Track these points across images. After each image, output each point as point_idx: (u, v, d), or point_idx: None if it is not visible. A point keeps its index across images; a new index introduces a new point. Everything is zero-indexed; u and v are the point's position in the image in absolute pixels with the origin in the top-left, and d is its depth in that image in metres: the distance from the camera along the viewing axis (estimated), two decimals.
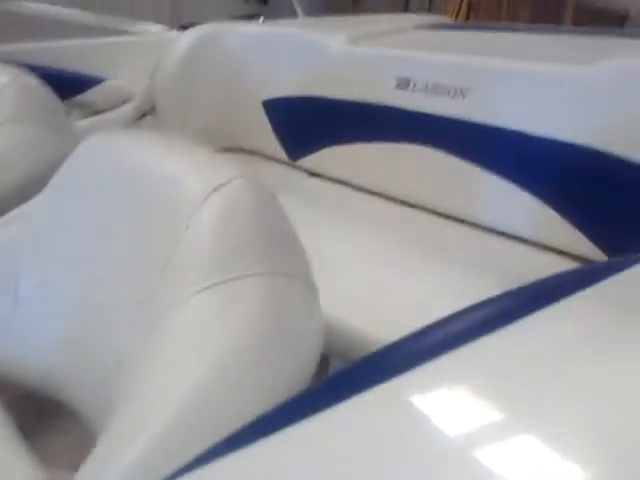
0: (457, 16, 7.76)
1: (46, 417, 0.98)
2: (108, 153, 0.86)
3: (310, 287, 0.72)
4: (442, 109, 1.40)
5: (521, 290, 0.62)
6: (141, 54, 1.95)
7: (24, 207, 0.98)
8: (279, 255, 0.70)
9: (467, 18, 8.00)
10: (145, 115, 1.89)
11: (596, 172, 1.17)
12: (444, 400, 0.49)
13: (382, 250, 1.32)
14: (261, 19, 5.38)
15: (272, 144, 1.83)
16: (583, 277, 0.68)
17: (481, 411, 0.47)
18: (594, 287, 0.61)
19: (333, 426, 0.49)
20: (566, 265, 1.21)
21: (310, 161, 1.75)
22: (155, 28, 2.24)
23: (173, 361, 0.62)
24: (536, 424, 0.45)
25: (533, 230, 1.29)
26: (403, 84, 1.48)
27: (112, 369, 0.71)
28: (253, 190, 0.71)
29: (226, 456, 0.51)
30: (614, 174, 1.14)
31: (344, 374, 0.57)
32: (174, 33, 2.08)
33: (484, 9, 7.73)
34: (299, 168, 1.79)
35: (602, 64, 1.18)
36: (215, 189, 0.69)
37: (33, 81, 1.36)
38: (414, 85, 1.46)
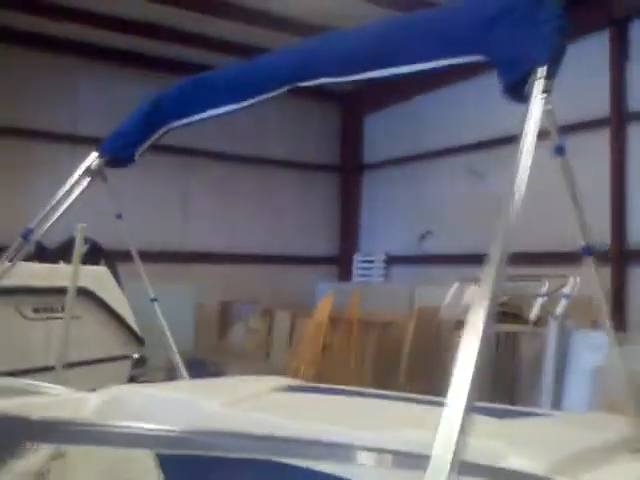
0: (313, 357, 8.79)
1: None
2: None
3: None
4: None
5: None
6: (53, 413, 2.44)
7: None
8: None
9: (323, 358, 9.05)
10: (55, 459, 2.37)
11: None
12: None
13: None
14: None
15: None
16: None
17: None
18: None
19: None
20: None
21: None
22: (61, 389, 2.75)
23: None
24: None
25: None
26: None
27: None
28: None
29: None
30: None
31: None
32: (82, 394, 2.62)
33: (336, 349, 8.84)
34: None
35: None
36: None
37: None
38: None
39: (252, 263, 12.93)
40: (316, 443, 1.55)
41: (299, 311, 10.13)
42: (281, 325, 10.28)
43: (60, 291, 4.35)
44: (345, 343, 8.82)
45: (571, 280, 6.51)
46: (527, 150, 1.46)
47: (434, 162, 12.33)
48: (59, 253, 6.83)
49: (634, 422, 1.92)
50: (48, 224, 2.72)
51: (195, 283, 11.36)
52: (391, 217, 13.34)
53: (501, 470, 1.47)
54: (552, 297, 6.86)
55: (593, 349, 5.96)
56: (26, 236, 2.66)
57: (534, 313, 7.06)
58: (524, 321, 7.59)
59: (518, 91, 1.58)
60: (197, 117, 2.55)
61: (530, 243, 8.31)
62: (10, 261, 2.71)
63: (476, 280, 8.53)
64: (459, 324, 7.66)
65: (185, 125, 2.69)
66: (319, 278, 13.11)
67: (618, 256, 9.49)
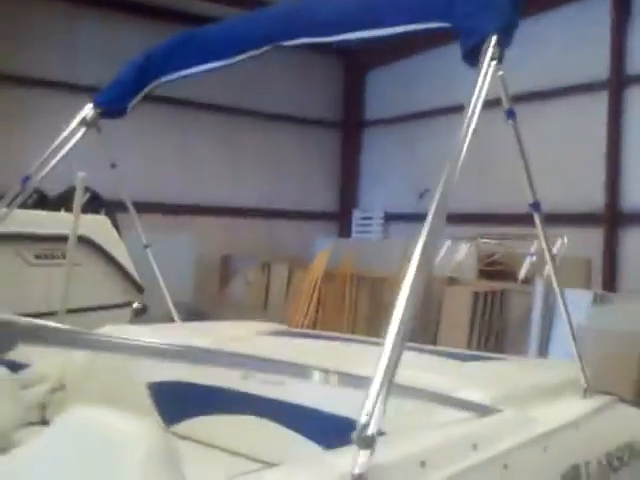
0: (308, 310, 9.01)
1: None
2: None
3: None
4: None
5: None
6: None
7: None
8: None
9: (317, 312, 9.27)
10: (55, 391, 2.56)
11: None
12: None
13: None
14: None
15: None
16: None
17: None
18: None
19: None
20: None
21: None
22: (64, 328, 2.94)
23: None
24: None
25: None
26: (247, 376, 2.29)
27: None
28: None
29: None
30: None
31: None
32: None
33: (331, 303, 9.05)
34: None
35: None
36: None
37: None
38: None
39: (252, 216, 13.08)
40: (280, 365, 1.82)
41: (296, 265, 10.30)
42: (279, 278, 10.48)
43: (61, 239, 4.51)
44: (339, 298, 9.03)
45: (559, 240, 6.68)
46: (473, 112, 1.59)
47: (433, 120, 12.35)
48: (60, 202, 6.98)
49: (582, 367, 2.10)
50: (45, 172, 2.86)
51: (195, 235, 11.52)
52: (390, 175, 13.43)
53: (447, 397, 1.64)
54: (541, 256, 7.02)
55: (577, 308, 6.13)
56: (24, 182, 2.80)
57: (523, 271, 7.25)
58: (514, 279, 7.80)
59: (474, 57, 1.71)
60: (186, 72, 2.67)
61: (520, 205, 8.44)
62: (8, 206, 2.86)
63: (468, 239, 8.72)
64: (450, 280, 7.87)
65: (175, 79, 2.81)
66: (318, 233, 13.27)
67: (611, 218, 9.64)
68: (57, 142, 2.81)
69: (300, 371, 1.99)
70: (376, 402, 1.18)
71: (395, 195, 13.24)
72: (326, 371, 1.57)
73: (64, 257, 4.47)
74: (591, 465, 1.86)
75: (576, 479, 1.78)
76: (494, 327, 7.11)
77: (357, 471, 1.14)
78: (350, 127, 14.54)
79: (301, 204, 13.90)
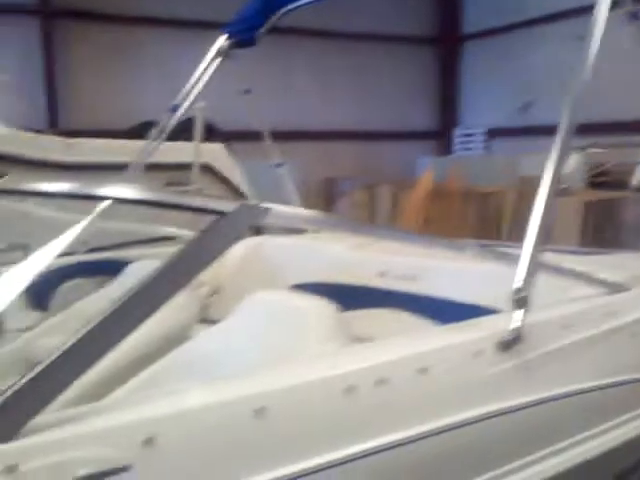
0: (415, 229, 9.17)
1: None
2: None
3: None
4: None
5: None
6: None
7: None
8: None
9: (424, 229, 9.39)
10: (214, 294, 2.92)
11: None
12: None
13: None
14: None
15: None
16: None
17: None
18: None
19: None
20: None
21: None
22: None
23: None
24: None
25: None
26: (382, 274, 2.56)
27: None
28: None
29: None
30: None
31: None
32: None
33: (438, 221, 9.18)
34: None
35: None
36: None
37: None
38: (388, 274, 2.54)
39: (351, 139, 13.21)
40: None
41: (400, 185, 10.44)
42: (383, 199, 10.67)
43: (184, 167, 4.87)
44: (446, 215, 9.12)
45: None
46: (601, 19, 1.70)
47: (537, 29, 11.93)
48: (179, 132, 7.37)
49: None
50: (188, 102, 3.16)
51: (297, 160, 11.79)
52: (492, 89, 13.15)
53: (585, 275, 1.84)
54: None
55: None
56: (172, 111, 3.12)
57: (636, 179, 7.08)
58: (626, 188, 7.63)
59: None
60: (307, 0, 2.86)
61: (630, 112, 8.19)
62: (156, 140, 3.19)
63: (577, 149, 8.52)
64: (562, 191, 7.77)
65: (298, 9, 3.01)
66: (418, 153, 13.27)
67: None
68: (198, 74, 3.09)
69: (453, 245, 2.11)
70: (528, 269, 1.40)
71: (497, 110, 12.99)
72: (478, 245, 1.80)
73: (188, 184, 4.86)
74: None
75: None
76: (606, 236, 7.07)
77: (513, 326, 1.38)
78: (447, 42, 14.23)
79: (400, 124, 13.88)
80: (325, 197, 12.42)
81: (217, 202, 1.45)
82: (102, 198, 1.46)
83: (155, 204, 1.48)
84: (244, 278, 2.91)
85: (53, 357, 1.08)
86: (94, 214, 1.45)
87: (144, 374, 1.78)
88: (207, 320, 2.86)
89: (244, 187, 6.68)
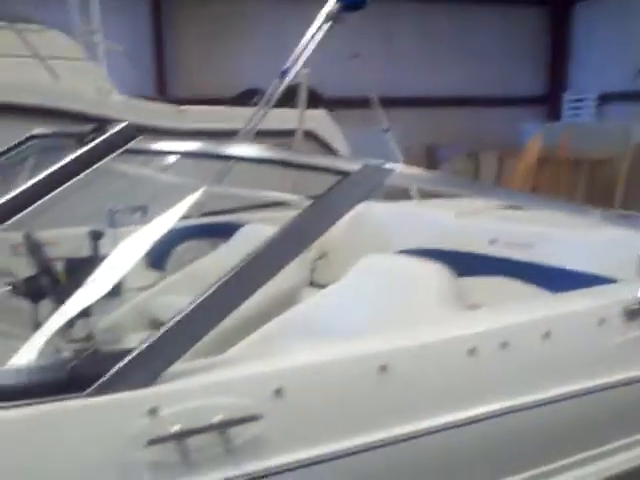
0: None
1: None
2: None
3: None
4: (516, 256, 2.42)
5: None
6: None
7: None
8: None
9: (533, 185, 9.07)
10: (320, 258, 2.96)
11: None
12: None
13: None
14: None
15: None
16: None
17: None
18: None
19: None
20: None
21: None
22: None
23: None
24: None
25: None
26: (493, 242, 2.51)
27: None
28: None
29: None
30: None
31: None
32: None
33: (546, 189, 8.87)
34: None
35: None
36: None
37: None
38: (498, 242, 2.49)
39: (455, 105, 12.92)
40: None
41: (505, 152, 10.14)
42: (487, 166, 10.42)
43: (288, 133, 4.92)
44: (555, 183, 8.80)
45: None
46: None
47: None
48: (282, 99, 7.45)
49: None
50: (298, 66, 3.18)
51: (400, 127, 11.65)
52: (605, 52, 12.49)
53: None
54: None
55: None
56: (282, 75, 3.15)
57: None
58: None
59: None
60: None
61: None
62: (265, 105, 3.24)
63: None
64: None
65: None
66: (525, 119, 12.82)
67: None
68: (307, 37, 3.10)
69: (574, 209, 2.04)
70: None
71: (609, 74, 12.33)
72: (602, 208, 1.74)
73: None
74: None
75: None
76: None
77: None
78: (557, 4, 13.57)
79: (506, 89, 13.44)
80: (426, 164, 12.25)
81: (341, 161, 1.46)
82: (229, 157, 1.50)
83: (279, 163, 1.50)
84: (350, 243, 2.93)
85: (185, 312, 1.14)
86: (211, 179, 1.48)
87: (257, 334, 1.84)
88: (314, 284, 2.92)
89: (346, 153, 6.68)
